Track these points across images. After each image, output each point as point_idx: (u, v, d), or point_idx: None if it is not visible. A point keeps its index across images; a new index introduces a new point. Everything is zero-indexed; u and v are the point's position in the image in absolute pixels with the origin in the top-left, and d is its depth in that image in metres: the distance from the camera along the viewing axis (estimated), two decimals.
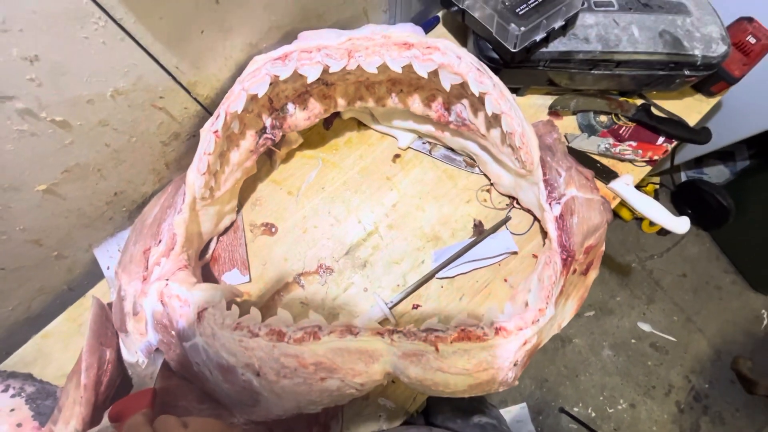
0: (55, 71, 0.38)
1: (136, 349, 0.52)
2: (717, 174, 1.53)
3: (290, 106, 0.59)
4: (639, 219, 1.55)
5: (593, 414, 1.35)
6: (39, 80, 0.38)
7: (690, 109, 0.75)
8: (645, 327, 1.45)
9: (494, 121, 0.57)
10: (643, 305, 1.48)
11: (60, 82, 0.39)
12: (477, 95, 0.50)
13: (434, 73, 0.51)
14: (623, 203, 0.67)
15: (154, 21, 0.42)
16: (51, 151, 0.44)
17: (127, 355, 0.54)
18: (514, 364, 0.42)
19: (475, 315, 0.60)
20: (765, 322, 1.47)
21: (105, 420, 0.44)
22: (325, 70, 0.49)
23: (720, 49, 0.63)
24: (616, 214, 1.53)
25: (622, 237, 1.57)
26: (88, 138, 0.46)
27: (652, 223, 1.52)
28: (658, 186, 1.51)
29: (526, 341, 0.43)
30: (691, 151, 1.28)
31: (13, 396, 0.56)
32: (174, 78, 0.48)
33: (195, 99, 0.54)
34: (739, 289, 1.51)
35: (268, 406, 0.42)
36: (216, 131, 0.50)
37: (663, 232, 1.56)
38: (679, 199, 1.53)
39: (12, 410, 0.55)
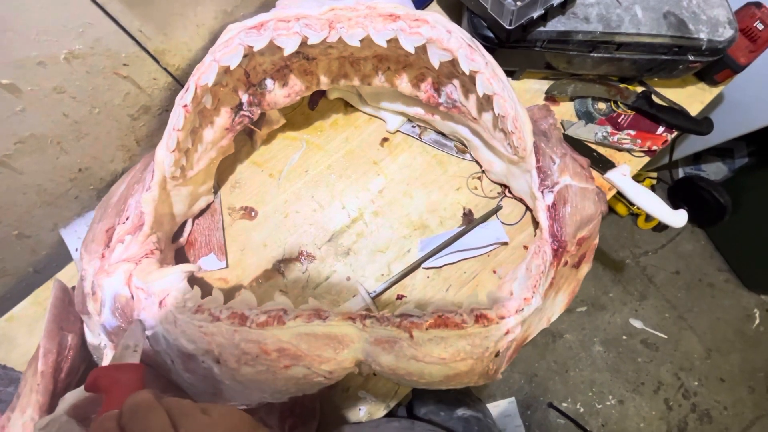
0: None
1: (99, 331, 0.49)
2: (715, 171, 1.51)
3: (269, 82, 0.55)
4: (635, 215, 1.52)
5: (582, 409, 1.34)
6: None
7: (692, 98, 0.72)
8: (636, 323, 1.44)
9: (486, 103, 0.53)
10: (635, 302, 1.47)
11: (3, 38, 0.35)
12: (467, 74, 0.47)
13: (422, 49, 0.47)
14: (619, 197, 0.64)
15: None
16: (0, 119, 0.40)
17: (91, 338, 0.51)
18: (495, 355, 0.39)
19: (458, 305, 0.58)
20: (756, 321, 1.46)
21: (59, 408, 0.42)
22: (304, 42, 0.45)
23: (727, 33, 0.60)
24: (611, 209, 1.50)
25: (617, 232, 1.55)
26: (43, 106, 0.42)
27: (647, 219, 1.50)
28: (655, 181, 1.48)
29: (509, 331, 0.40)
30: (690, 146, 1.25)
31: None
32: (138, 43, 0.44)
33: (165, 69, 0.50)
34: (732, 288, 1.50)
35: (231, 395, 0.39)
36: (185, 105, 0.46)
37: (658, 228, 1.54)
38: (676, 195, 1.51)
39: None
